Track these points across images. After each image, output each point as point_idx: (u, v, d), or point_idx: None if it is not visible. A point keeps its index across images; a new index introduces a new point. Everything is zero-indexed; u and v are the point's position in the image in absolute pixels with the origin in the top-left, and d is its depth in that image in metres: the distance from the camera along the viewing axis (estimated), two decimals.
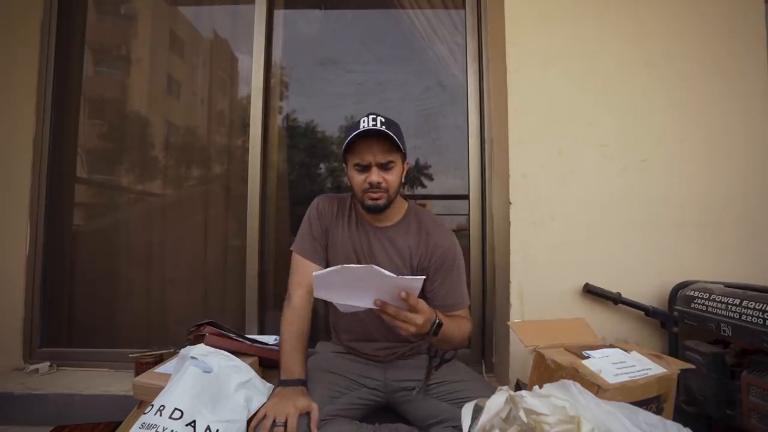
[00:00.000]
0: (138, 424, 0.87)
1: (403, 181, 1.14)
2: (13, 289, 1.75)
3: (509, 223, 1.46)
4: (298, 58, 1.98)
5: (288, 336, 1.08)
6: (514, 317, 1.43)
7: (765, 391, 1.02)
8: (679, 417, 0.91)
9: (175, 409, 0.87)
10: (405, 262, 1.14)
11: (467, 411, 0.76)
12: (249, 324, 1.76)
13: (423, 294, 0.93)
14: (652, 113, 1.49)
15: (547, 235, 1.45)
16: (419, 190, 1.93)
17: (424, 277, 0.86)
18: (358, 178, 1.08)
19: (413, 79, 1.94)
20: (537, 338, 1.07)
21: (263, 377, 1.11)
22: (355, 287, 0.85)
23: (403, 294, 0.84)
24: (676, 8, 1.51)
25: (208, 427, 0.88)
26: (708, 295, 1.21)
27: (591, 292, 1.41)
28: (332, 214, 1.19)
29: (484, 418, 0.71)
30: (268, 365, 1.26)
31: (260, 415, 0.94)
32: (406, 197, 1.24)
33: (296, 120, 1.97)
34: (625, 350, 1.00)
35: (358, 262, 1.13)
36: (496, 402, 0.71)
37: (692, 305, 1.26)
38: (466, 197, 1.79)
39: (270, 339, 1.37)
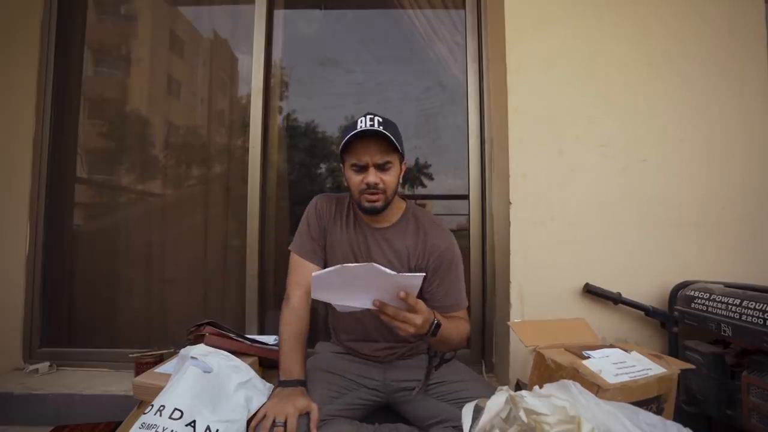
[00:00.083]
0: (138, 424, 0.87)
1: (400, 181, 1.14)
2: (13, 289, 1.75)
3: (509, 223, 1.46)
4: (298, 58, 1.98)
5: (287, 336, 1.08)
6: (514, 317, 1.43)
7: (765, 391, 1.02)
8: (679, 417, 0.91)
9: (175, 409, 0.87)
10: (402, 263, 1.14)
11: (467, 411, 0.76)
12: (249, 324, 1.76)
13: (421, 295, 0.93)
14: (652, 113, 1.49)
15: (547, 235, 1.45)
16: (419, 190, 1.93)
17: (423, 274, 0.86)
18: (355, 179, 1.08)
19: (413, 79, 1.94)
20: (537, 338, 1.07)
21: (263, 377, 1.11)
22: (354, 287, 0.85)
23: (402, 294, 0.84)
24: (676, 8, 1.51)
25: (208, 427, 0.88)
26: (708, 295, 1.21)
27: (591, 292, 1.41)
28: (330, 214, 1.19)
29: (484, 419, 0.71)
30: (268, 365, 1.26)
31: (260, 415, 0.93)
32: (404, 197, 1.24)
33: (296, 120, 1.97)
34: (625, 350, 1.00)
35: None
36: (496, 402, 0.71)
37: (692, 305, 1.26)
38: (466, 197, 1.79)
39: (270, 339, 1.37)
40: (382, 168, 1.06)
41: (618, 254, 1.45)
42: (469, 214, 1.78)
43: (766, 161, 1.48)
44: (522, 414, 0.67)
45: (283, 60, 1.96)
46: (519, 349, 1.42)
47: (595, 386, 0.84)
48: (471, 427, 0.72)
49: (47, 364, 1.70)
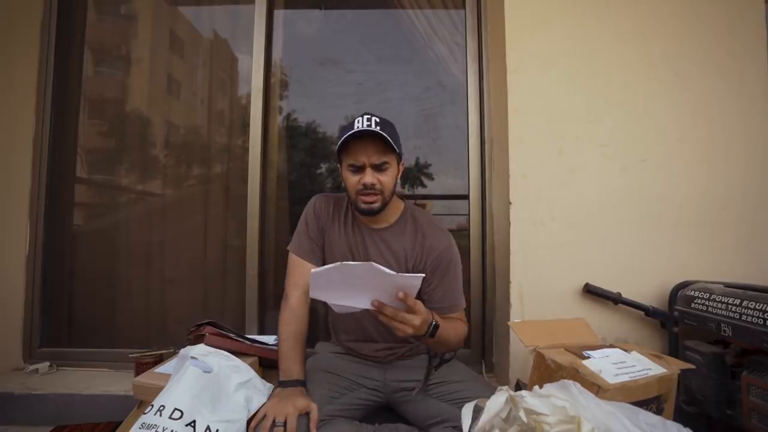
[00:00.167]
0: (138, 424, 0.87)
1: (398, 182, 1.13)
2: (13, 289, 1.75)
3: (509, 223, 1.46)
4: (298, 58, 1.98)
5: (286, 336, 1.08)
6: (514, 317, 1.43)
7: (765, 391, 1.02)
8: (679, 417, 0.91)
9: (175, 409, 0.87)
10: (400, 264, 1.14)
11: (467, 411, 0.75)
12: (249, 324, 1.76)
13: (419, 296, 0.93)
14: (652, 113, 1.49)
15: (547, 235, 1.45)
16: (419, 190, 1.93)
17: (423, 274, 0.86)
18: (352, 179, 1.07)
19: (413, 79, 1.94)
20: (537, 338, 1.07)
21: (263, 377, 1.11)
22: (353, 286, 0.84)
23: (401, 294, 0.84)
24: (676, 8, 1.51)
25: (208, 427, 0.88)
26: (708, 295, 1.21)
27: (591, 292, 1.41)
28: (329, 214, 1.19)
29: (484, 418, 0.70)
30: (268, 365, 1.26)
31: (260, 415, 0.93)
32: (403, 197, 1.23)
33: (296, 120, 1.97)
34: (625, 350, 1.00)
35: None
36: (496, 402, 0.71)
37: (692, 305, 1.26)
38: (466, 197, 1.79)
39: (270, 339, 1.37)
40: (379, 168, 1.06)
41: (618, 254, 1.45)
42: (469, 214, 1.78)
43: (766, 161, 1.48)
44: (522, 414, 0.67)
45: (283, 60, 1.96)
46: (519, 349, 1.42)
47: (595, 386, 0.84)
48: (470, 427, 0.72)
49: (47, 364, 1.70)
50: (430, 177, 1.92)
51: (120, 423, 1.13)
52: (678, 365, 0.97)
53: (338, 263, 0.81)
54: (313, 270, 0.83)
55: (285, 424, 0.90)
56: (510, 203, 1.47)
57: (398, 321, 0.87)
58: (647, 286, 1.44)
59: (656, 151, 1.48)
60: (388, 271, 0.80)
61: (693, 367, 1.05)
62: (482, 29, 1.79)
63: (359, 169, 1.06)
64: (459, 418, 0.76)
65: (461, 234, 1.78)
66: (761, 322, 1.03)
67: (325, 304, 1.07)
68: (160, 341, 1.69)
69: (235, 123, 1.95)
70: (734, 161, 1.48)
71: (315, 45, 1.98)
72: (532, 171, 1.48)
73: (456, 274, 1.15)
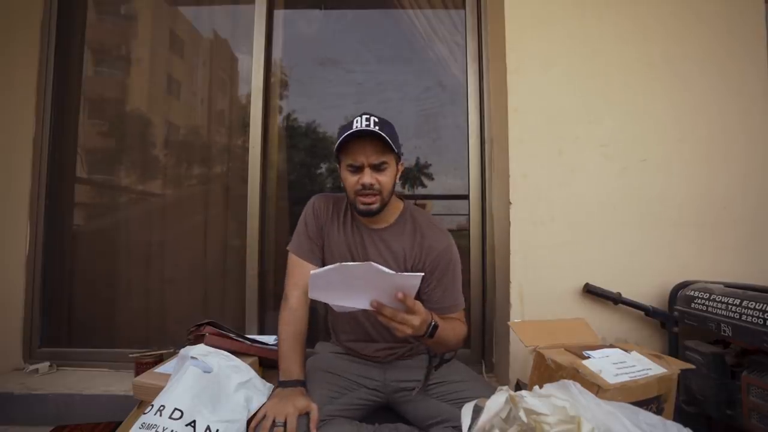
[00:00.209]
0: (138, 424, 0.87)
1: (397, 182, 1.13)
2: (13, 289, 1.75)
3: (509, 223, 1.46)
4: (298, 58, 1.98)
5: (285, 337, 1.08)
6: (514, 317, 1.43)
7: (765, 391, 1.02)
8: (679, 417, 0.91)
9: (175, 409, 0.87)
10: (399, 264, 1.13)
11: (467, 411, 0.75)
12: (249, 324, 1.76)
13: (418, 296, 0.93)
14: (652, 113, 1.49)
15: (547, 235, 1.45)
16: (419, 190, 1.93)
17: (422, 273, 0.86)
18: (350, 179, 1.07)
19: (413, 79, 1.94)
20: (537, 338, 1.07)
21: (263, 377, 1.11)
22: (352, 287, 0.84)
23: (400, 295, 0.84)
24: (676, 8, 1.51)
25: (208, 427, 0.88)
26: (708, 295, 1.21)
27: (591, 292, 1.41)
28: (328, 213, 1.18)
29: (483, 418, 0.70)
30: (268, 365, 1.26)
31: (260, 415, 0.93)
32: (402, 197, 1.23)
33: (296, 120, 1.97)
34: (625, 350, 1.00)
35: None
36: (496, 402, 0.71)
37: (692, 305, 1.26)
38: (466, 197, 1.79)
39: (270, 339, 1.37)
40: (377, 168, 1.05)
41: (618, 254, 1.45)
42: (469, 214, 1.78)
43: (766, 161, 1.48)
44: (522, 414, 0.67)
45: (283, 60, 1.96)
46: (519, 349, 1.41)
47: (595, 386, 0.84)
48: (470, 426, 0.72)
49: (47, 364, 1.70)
50: (430, 177, 1.92)
51: (120, 423, 1.13)
52: (678, 365, 0.97)
53: (337, 264, 0.81)
54: (311, 272, 0.83)
55: (285, 424, 0.90)
56: (510, 203, 1.47)
57: (397, 321, 0.87)
58: (647, 286, 1.44)
59: (656, 151, 1.48)
60: (387, 270, 0.80)
61: (693, 367, 1.05)
62: (482, 29, 1.79)
63: (358, 170, 1.06)
64: (459, 418, 0.76)
65: (461, 234, 1.78)
66: (761, 322, 1.03)
67: (325, 304, 1.07)
68: (160, 341, 1.69)
69: (235, 123, 1.96)
70: (734, 161, 1.48)
71: (315, 45, 1.98)
72: (532, 171, 1.48)
73: (455, 274, 1.15)
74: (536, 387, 0.74)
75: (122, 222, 1.92)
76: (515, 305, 1.44)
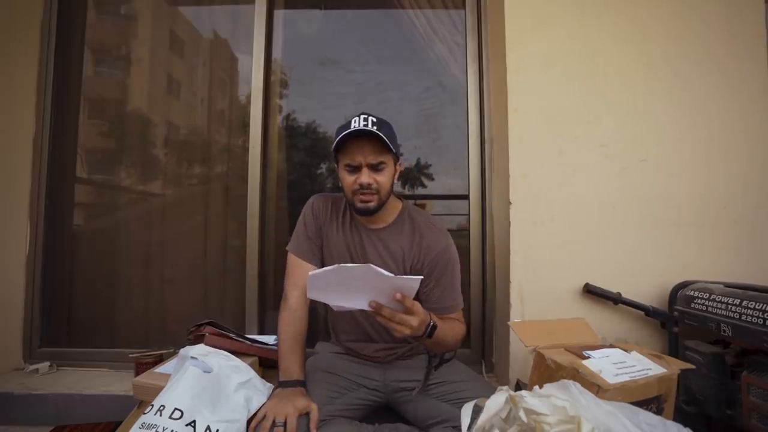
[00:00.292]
0: (138, 424, 0.87)
1: (395, 182, 1.13)
2: (13, 289, 1.75)
3: (509, 223, 1.46)
4: (298, 58, 1.98)
5: (285, 337, 1.08)
6: (514, 317, 1.43)
7: (765, 391, 1.02)
8: (679, 417, 0.91)
9: (175, 409, 0.87)
10: (398, 264, 1.13)
11: (467, 411, 0.76)
12: (249, 324, 1.76)
13: (417, 296, 0.93)
14: (652, 113, 1.49)
15: (547, 235, 1.45)
16: (419, 190, 1.93)
17: (421, 277, 0.86)
18: (348, 179, 1.07)
19: (413, 79, 1.94)
20: (537, 338, 1.07)
21: (263, 377, 1.11)
22: (350, 288, 0.84)
23: (398, 295, 0.84)
24: (676, 8, 1.51)
25: (208, 427, 0.88)
26: (708, 295, 1.21)
27: (591, 292, 1.41)
28: (327, 213, 1.18)
29: (483, 418, 0.70)
30: (268, 365, 1.26)
31: (260, 415, 0.94)
32: (401, 197, 1.23)
33: (296, 120, 1.97)
34: (625, 350, 1.00)
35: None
36: (496, 402, 0.71)
37: (692, 305, 1.26)
38: (466, 197, 1.79)
39: (270, 339, 1.37)
40: (375, 168, 1.05)
41: (618, 254, 1.45)
42: (469, 214, 1.78)
43: (766, 161, 1.48)
44: (522, 414, 0.67)
45: (283, 60, 1.96)
46: (519, 349, 1.41)
47: (595, 386, 0.84)
48: (470, 426, 0.72)
49: (47, 364, 1.70)
50: (430, 177, 1.92)
51: (120, 423, 1.13)
52: (678, 365, 0.97)
53: (336, 265, 0.81)
54: (310, 273, 0.83)
55: (285, 424, 0.90)
56: (510, 203, 1.47)
57: (396, 322, 0.87)
58: (647, 286, 1.44)
59: (656, 151, 1.48)
60: (385, 273, 0.80)
61: (693, 367, 1.05)
62: (482, 29, 1.79)
63: (356, 169, 1.06)
64: (459, 418, 0.76)
65: (461, 234, 1.78)
66: (761, 322, 1.03)
67: (325, 304, 1.07)
68: (160, 341, 1.69)
69: (235, 123, 1.96)
70: (734, 161, 1.48)
71: (315, 45, 1.98)
72: (532, 171, 1.48)
73: (454, 274, 1.15)
74: (536, 387, 0.74)
75: (122, 222, 1.92)
76: (515, 305, 1.44)
